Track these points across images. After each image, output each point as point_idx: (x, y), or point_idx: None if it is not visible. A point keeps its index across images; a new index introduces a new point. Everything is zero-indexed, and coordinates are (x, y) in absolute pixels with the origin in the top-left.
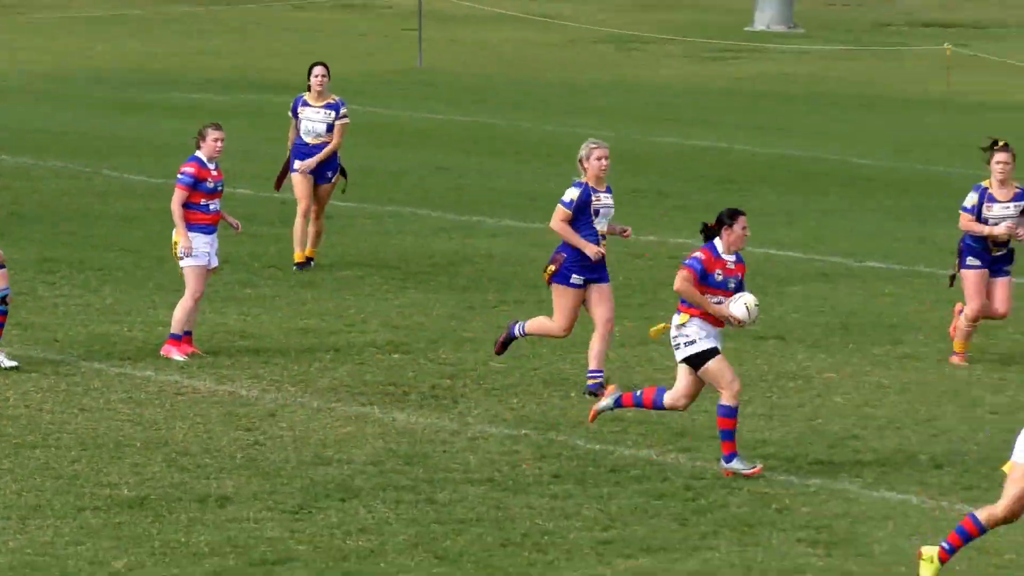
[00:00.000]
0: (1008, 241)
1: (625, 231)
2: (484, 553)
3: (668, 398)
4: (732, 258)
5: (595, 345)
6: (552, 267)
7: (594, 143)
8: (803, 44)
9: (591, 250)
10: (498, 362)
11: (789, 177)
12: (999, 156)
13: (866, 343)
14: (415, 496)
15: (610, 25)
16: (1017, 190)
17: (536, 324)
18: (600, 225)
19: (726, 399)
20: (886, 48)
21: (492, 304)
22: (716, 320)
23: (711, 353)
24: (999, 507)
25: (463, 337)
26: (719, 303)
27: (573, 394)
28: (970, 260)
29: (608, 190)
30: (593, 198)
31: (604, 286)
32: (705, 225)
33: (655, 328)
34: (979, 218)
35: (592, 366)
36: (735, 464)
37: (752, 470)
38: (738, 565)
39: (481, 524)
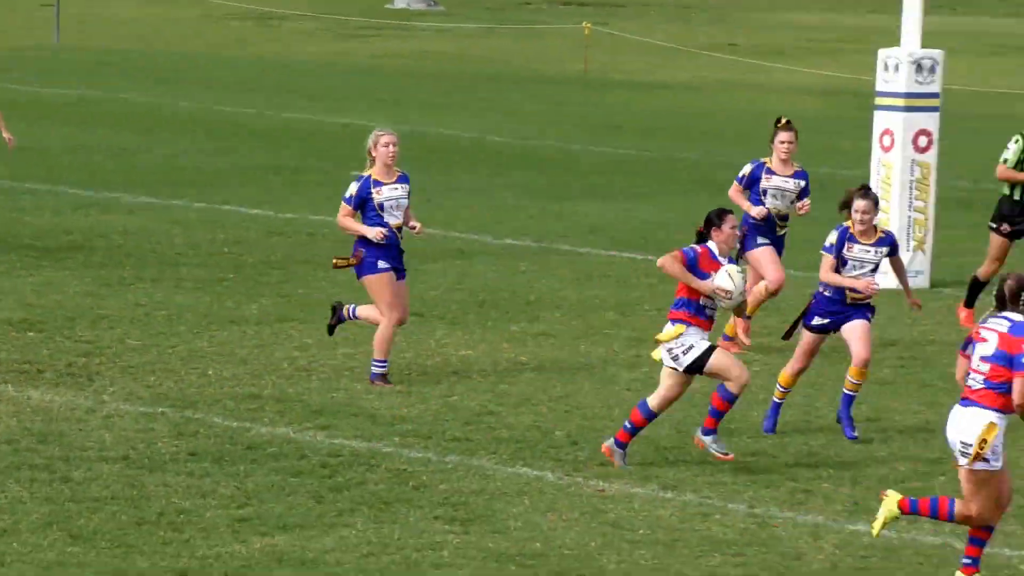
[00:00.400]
0: (787, 217)
1: (414, 227)
2: (119, 532)
3: (655, 401)
4: (725, 262)
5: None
6: (353, 260)
7: (381, 131)
8: (444, 22)
9: (372, 232)
10: (135, 340)
11: (425, 154)
12: (782, 135)
13: (503, 320)
14: (49, 475)
15: (250, 2)
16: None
17: (364, 311)
18: (392, 218)
19: (732, 388)
20: (526, 26)
21: (128, 281)
22: (706, 321)
23: (711, 351)
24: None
25: (99, 315)
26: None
27: (211, 371)
28: (760, 239)
29: (402, 179)
30: (374, 191)
31: (401, 283)
32: (698, 232)
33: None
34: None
35: (376, 356)
36: (710, 442)
37: (724, 456)
38: (375, 542)
39: (116, 502)
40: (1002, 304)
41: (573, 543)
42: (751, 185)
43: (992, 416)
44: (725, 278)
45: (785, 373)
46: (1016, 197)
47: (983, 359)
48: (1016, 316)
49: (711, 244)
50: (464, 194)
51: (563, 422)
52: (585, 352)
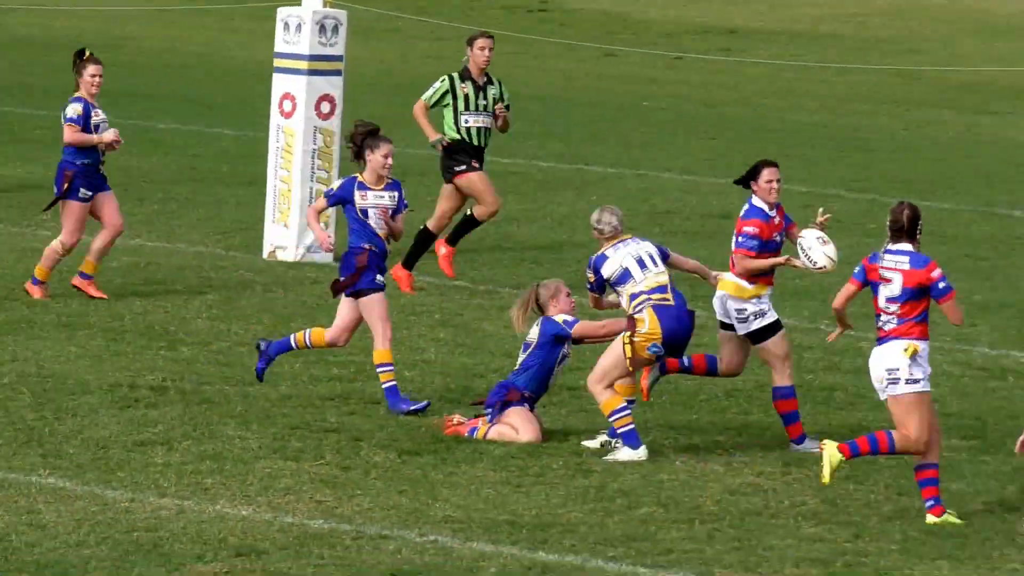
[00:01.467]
0: None
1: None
2: None
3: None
4: (774, 213)
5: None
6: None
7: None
8: None
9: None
10: None
11: None
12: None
13: None
14: None
15: None
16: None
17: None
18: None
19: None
20: None
21: None
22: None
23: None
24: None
25: None
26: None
27: None
28: (82, 192)
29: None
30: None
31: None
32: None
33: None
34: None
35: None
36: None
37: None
38: None
39: None
40: (898, 233)
41: None
42: None
43: (911, 341)
44: (821, 256)
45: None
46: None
47: (890, 300)
48: (907, 247)
49: (755, 200)
50: None
51: None
52: None
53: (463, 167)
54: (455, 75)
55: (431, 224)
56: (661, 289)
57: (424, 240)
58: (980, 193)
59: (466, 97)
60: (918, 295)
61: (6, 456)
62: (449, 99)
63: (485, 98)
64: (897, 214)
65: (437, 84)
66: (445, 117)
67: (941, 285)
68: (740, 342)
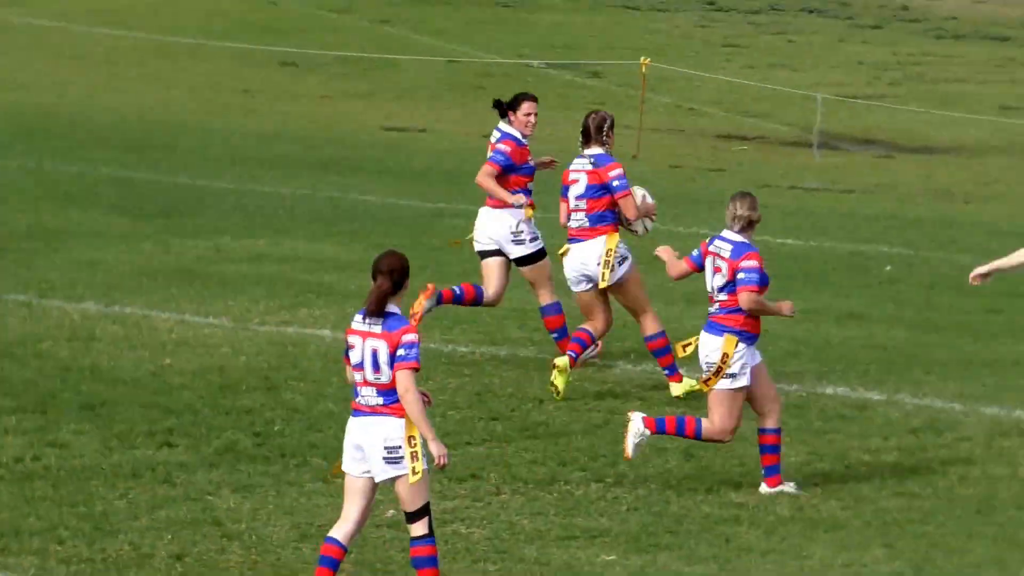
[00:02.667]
0: None
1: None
2: None
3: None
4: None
5: None
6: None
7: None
8: None
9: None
10: None
11: None
12: None
13: None
14: None
15: None
16: None
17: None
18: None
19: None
20: None
21: None
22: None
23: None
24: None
25: None
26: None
27: None
28: None
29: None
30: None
31: None
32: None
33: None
34: None
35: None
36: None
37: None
38: None
39: None
40: (587, 137)
41: None
42: None
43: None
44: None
45: None
46: None
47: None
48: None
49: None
50: None
51: None
52: None
53: None
54: None
55: None
56: None
57: None
58: None
59: None
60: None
61: None
62: None
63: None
64: (587, 121)
65: None
66: None
67: (615, 183)
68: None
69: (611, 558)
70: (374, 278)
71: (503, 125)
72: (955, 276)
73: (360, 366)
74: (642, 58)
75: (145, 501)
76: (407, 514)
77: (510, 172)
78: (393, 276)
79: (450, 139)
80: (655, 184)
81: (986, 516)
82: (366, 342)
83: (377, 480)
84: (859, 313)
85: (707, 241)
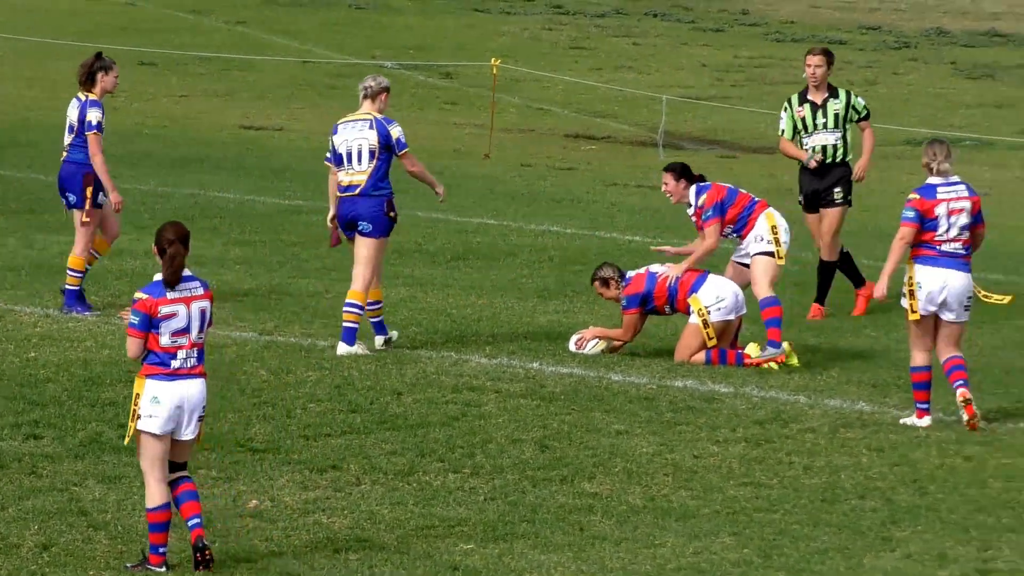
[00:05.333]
0: None
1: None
2: None
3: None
4: None
5: None
6: None
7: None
8: None
9: None
10: None
11: None
12: None
13: None
14: None
15: None
16: None
17: None
18: None
19: None
20: None
21: None
22: None
23: None
24: None
25: None
26: None
27: None
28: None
29: None
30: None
31: None
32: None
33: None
34: None
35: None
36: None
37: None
38: None
39: None
40: None
41: None
42: None
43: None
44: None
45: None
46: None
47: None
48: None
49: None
50: None
51: None
52: None
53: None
54: (793, 97)
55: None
56: None
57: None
58: None
59: (803, 120)
60: None
61: None
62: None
63: (825, 116)
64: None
65: (784, 115)
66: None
67: None
68: None
69: (469, 547)
70: (165, 249)
71: None
72: (796, 272)
73: (186, 330)
74: (492, 59)
75: (11, 492)
76: (181, 464)
77: None
78: (186, 242)
79: (306, 138)
80: (507, 183)
81: (830, 504)
82: (192, 306)
83: (186, 438)
84: None
85: (920, 197)
